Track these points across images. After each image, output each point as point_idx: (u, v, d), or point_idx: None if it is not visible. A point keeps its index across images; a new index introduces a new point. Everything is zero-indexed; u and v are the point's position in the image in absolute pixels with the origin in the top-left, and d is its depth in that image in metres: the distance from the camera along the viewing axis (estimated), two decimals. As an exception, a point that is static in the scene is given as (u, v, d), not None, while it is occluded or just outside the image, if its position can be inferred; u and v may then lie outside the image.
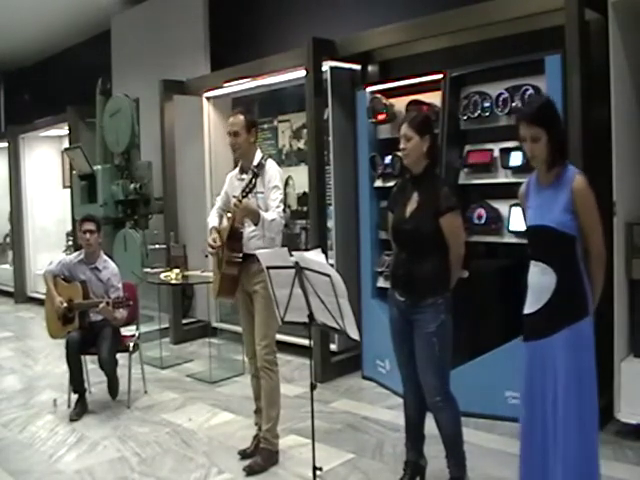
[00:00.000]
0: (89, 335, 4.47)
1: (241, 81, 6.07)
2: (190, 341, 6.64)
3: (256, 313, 3.56)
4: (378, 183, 4.95)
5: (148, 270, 6.24)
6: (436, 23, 4.48)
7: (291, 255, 2.85)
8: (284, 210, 3.62)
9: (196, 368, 5.66)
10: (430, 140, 2.98)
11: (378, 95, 4.86)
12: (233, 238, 3.51)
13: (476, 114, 4.24)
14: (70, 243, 8.74)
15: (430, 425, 3.09)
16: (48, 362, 6.00)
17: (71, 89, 9.34)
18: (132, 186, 6.79)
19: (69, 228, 8.79)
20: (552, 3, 3.76)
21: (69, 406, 4.59)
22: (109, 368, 4.46)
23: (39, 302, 8.26)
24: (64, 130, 8.65)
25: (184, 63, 7.04)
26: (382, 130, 4.98)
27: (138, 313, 4.96)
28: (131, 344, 4.66)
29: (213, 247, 3.56)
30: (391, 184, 4.31)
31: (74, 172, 7.52)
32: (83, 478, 3.52)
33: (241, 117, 3.59)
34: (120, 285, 4.61)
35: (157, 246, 6.78)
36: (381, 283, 4.92)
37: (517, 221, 3.98)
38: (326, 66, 5.16)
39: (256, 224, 3.39)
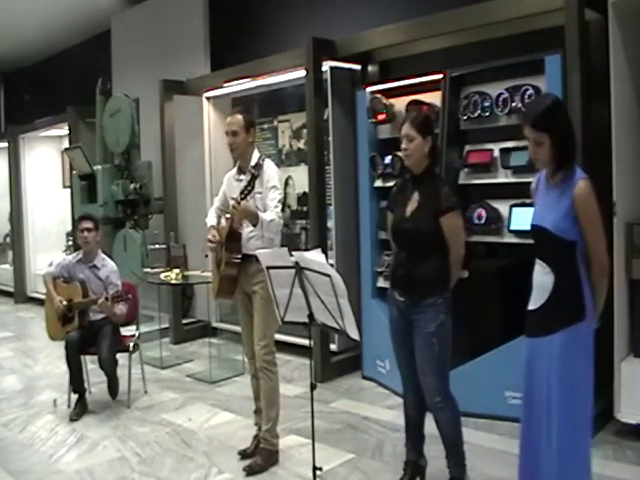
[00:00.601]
0: (89, 334, 4.48)
1: (241, 81, 6.07)
2: (190, 341, 6.64)
3: (255, 313, 3.56)
4: (378, 183, 4.96)
5: (148, 270, 6.24)
6: (436, 23, 4.48)
7: (291, 255, 2.85)
8: (283, 210, 3.61)
9: (196, 368, 5.66)
10: (432, 140, 2.99)
11: (378, 95, 4.86)
12: (232, 239, 3.50)
13: (476, 114, 4.24)
14: (70, 243, 8.74)
15: (430, 425, 3.09)
16: (48, 362, 6.00)
17: (71, 89, 9.35)
18: (132, 186, 6.79)
19: (69, 228, 8.79)
20: (552, 3, 3.76)
21: (69, 406, 4.59)
22: (109, 368, 4.46)
23: (39, 302, 8.27)
24: (64, 130, 8.65)
25: (184, 63, 7.04)
26: (382, 130, 4.98)
27: (138, 313, 4.96)
28: (131, 344, 4.66)
29: (212, 242, 3.56)
30: (391, 184, 4.31)
31: (74, 172, 7.52)
32: (83, 478, 3.53)
33: (239, 117, 3.58)
34: (119, 282, 4.62)
35: (157, 246, 6.79)
36: (381, 283, 4.92)
37: (517, 221, 3.98)
38: (326, 66, 5.16)
39: (255, 225, 3.38)
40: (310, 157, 5.17)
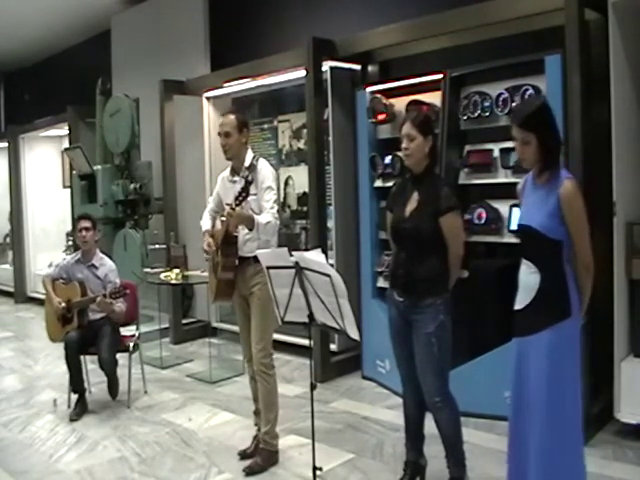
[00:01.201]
0: (88, 334, 4.48)
1: (241, 81, 6.07)
2: (190, 341, 6.63)
3: (252, 316, 3.54)
4: (378, 183, 4.95)
5: (148, 270, 6.24)
6: (436, 23, 4.48)
7: (291, 255, 2.85)
8: (282, 210, 3.59)
9: (196, 368, 5.66)
10: (432, 140, 2.99)
11: (378, 95, 4.86)
12: (228, 243, 3.46)
13: (476, 114, 4.24)
14: (70, 243, 8.74)
15: (430, 425, 3.09)
16: (48, 362, 6.00)
17: (71, 89, 9.34)
18: (132, 186, 6.79)
19: (69, 228, 8.79)
20: (552, 3, 3.75)
21: (69, 406, 4.59)
22: (109, 368, 4.47)
23: (39, 302, 8.26)
24: (64, 130, 8.65)
25: (184, 63, 7.04)
26: (382, 130, 4.98)
27: (138, 313, 4.96)
28: (131, 344, 4.66)
29: (208, 252, 3.53)
30: (391, 184, 4.30)
31: (74, 172, 7.53)
32: (83, 478, 3.53)
33: (232, 117, 3.51)
34: (118, 280, 4.62)
35: (157, 246, 6.79)
36: (381, 283, 4.92)
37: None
38: (326, 66, 5.16)
39: (251, 229, 3.34)
40: (310, 157, 5.17)
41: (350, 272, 4.96)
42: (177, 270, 5.69)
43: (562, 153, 2.63)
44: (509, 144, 4.06)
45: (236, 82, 6.13)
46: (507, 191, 4.11)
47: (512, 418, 2.70)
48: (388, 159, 4.80)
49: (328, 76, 5.18)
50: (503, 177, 4.17)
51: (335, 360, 5.21)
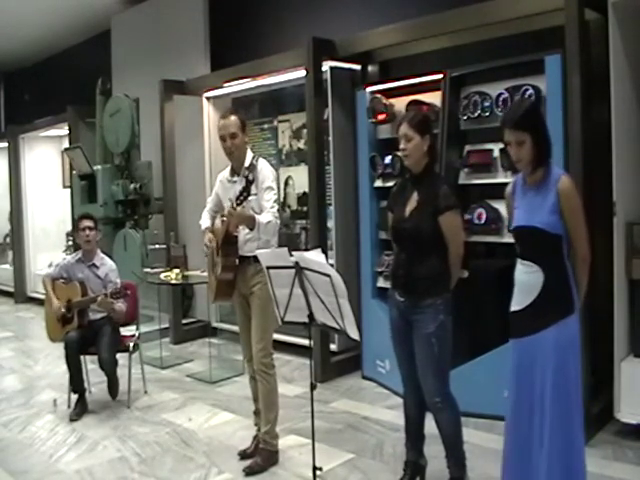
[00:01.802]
0: (88, 334, 4.48)
1: (241, 81, 6.07)
2: (190, 341, 6.64)
3: (253, 316, 3.54)
4: (378, 183, 4.95)
5: (148, 270, 6.24)
6: (436, 23, 4.48)
7: (291, 255, 2.85)
8: (282, 209, 3.59)
9: (196, 368, 5.66)
10: (430, 139, 2.99)
11: (378, 95, 4.86)
12: (228, 243, 3.45)
13: (476, 114, 4.24)
14: (70, 243, 8.74)
15: (430, 425, 3.09)
16: (48, 362, 6.00)
17: (71, 89, 9.34)
18: (132, 186, 6.79)
19: (69, 228, 8.79)
20: (552, 3, 3.75)
21: (69, 406, 4.59)
22: (109, 368, 4.47)
23: (39, 302, 8.26)
24: (64, 130, 8.66)
25: (184, 63, 7.04)
26: (382, 130, 4.98)
27: (138, 313, 4.96)
28: (131, 344, 4.66)
29: (209, 246, 3.53)
30: (391, 184, 4.31)
31: (74, 172, 7.53)
32: (83, 478, 3.53)
33: (235, 117, 3.47)
34: (118, 280, 4.63)
35: (157, 246, 6.79)
36: (381, 283, 4.92)
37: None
38: (326, 66, 5.16)
39: (252, 229, 3.33)
40: (310, 157, 5.17)
41: (350, 272, 4.97)
42: (177, 270, 5.69)
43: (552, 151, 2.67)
44: (509, 144, 4.07)
45: (236, 82, 6.13)
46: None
47: (513, 422, 2.69)
48: (388, 159, 4.80)
49: (328, 76, 5.18)
50: (503, 177, 4.16)
51: (335, 360, 5.21)
